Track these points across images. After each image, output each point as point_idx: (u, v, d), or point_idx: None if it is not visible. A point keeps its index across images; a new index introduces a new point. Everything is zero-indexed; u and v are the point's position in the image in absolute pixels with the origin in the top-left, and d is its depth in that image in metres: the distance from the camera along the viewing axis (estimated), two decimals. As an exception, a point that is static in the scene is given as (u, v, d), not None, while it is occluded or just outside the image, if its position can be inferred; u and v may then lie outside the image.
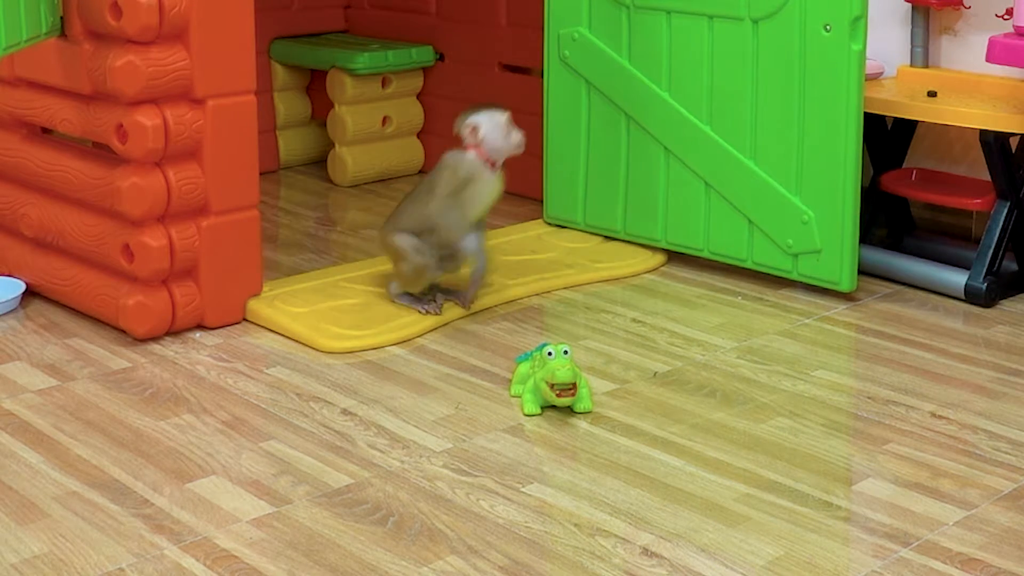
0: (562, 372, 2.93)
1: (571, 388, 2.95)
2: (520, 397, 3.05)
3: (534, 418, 2.99)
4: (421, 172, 5.16)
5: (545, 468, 2.74)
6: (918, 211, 4.23)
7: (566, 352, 2.96)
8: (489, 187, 3.49)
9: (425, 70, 5.07)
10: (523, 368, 3.10)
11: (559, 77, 4.17)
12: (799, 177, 3.68)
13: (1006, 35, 3.61)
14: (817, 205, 3.66)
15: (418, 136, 5.15)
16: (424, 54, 5.00)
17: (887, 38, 4.24)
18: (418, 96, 5.11)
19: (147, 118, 3.27)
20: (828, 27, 3.56)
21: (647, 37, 3.93)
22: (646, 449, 2.83)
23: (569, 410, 3.01)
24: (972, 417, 2.99)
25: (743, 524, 2.52)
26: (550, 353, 2.96)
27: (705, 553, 2.42)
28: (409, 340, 3.43)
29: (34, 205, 3.66)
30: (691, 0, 3.82)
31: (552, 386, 2.94)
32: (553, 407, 3.01)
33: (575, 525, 2.51)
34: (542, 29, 4.22)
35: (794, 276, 3.75)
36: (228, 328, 3.52)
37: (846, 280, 3.65)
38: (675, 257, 4.03)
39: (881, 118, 4.00)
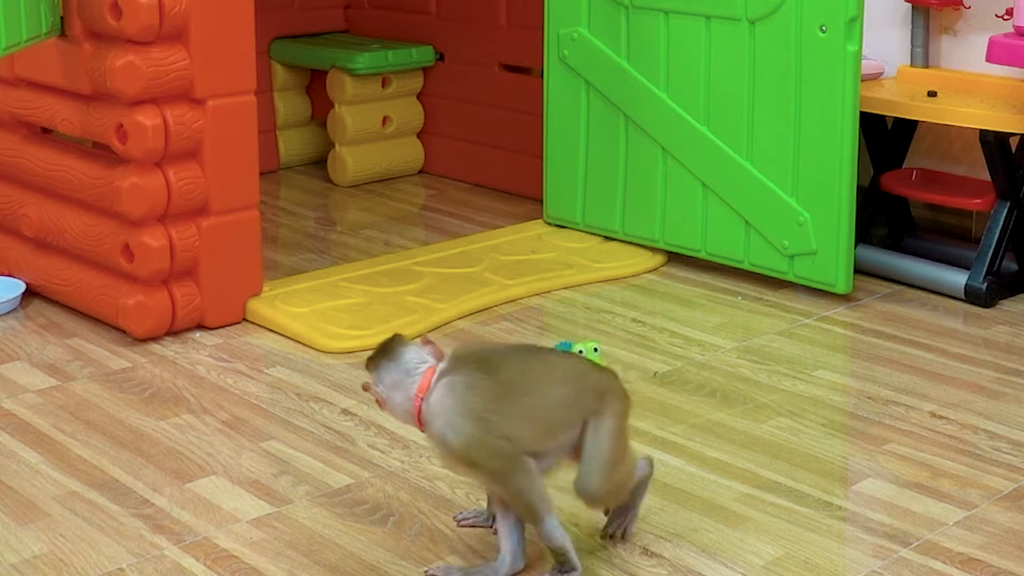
0: None
1: None
2: None
3: (534, 418, 2.99)
4: (421, 172, 5.16)
5: (545, 468, 2.74)
6: (918, 211, 4.22)
7: (596, 350, 2.96)
8: None
9: (425, 70, 5.07)
10: None
11: (559, 77, 4.17)
12: (795, 178, 3.68)
13: (1006, 35, 3.62)
14: (813, 206, 3.66)
15: (418, 136, 5.14)
16: (424, 54, 4.99)
17: (887, 38, 4.24)
18: (418, 96, 5.10)
19: (147, 118, 3.27)
20: (824, 28, 3.55)
21: (645, 37, 3.93)
22: (646, 449, 2.82)
23: (569, 410, 3.01)
24: (972, 417, 2.99)
25: (743, 524, 2.52)
26: (580, 351, 2.95)
27: (705, 553, 2.42)
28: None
29: (34, 205, 3.66)
30: (688, 0, 3.82)
31: None
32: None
33: (575, 525, 2.51)
34: (542, 29, 4.22)
35: (790, 277, 3.75)
36: (228, 328, 3.52)
37: (842, 282, 3.65)
38: (675, 257, 4.03)
39: (881, 118, 3.99)
